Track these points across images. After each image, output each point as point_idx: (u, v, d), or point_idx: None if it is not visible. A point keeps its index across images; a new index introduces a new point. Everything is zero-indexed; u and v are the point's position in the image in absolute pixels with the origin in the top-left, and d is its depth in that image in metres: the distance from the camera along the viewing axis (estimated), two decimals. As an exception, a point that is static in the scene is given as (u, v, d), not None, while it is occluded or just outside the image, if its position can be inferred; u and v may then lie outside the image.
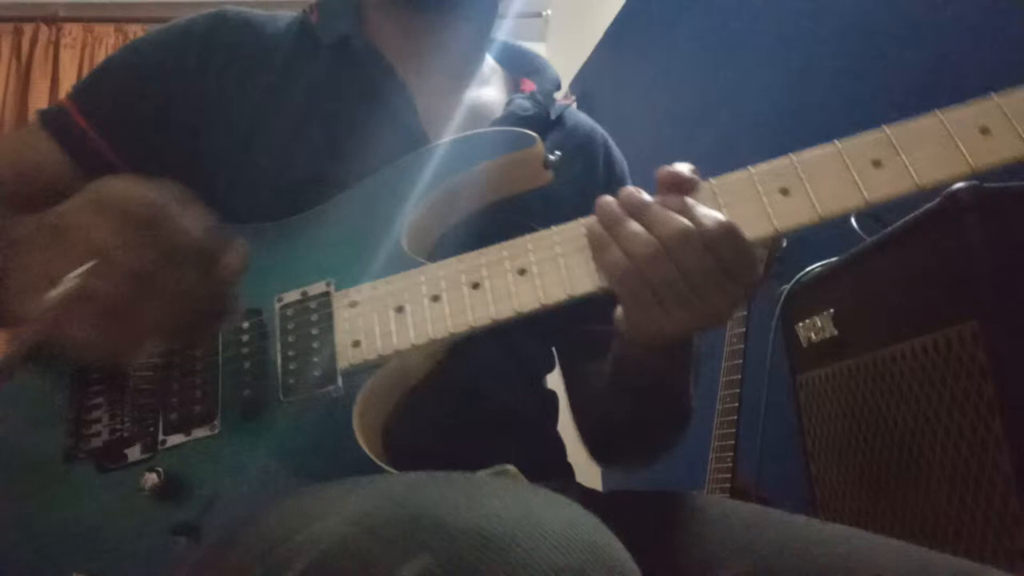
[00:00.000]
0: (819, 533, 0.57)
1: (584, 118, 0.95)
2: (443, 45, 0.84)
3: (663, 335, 0.59)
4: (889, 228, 1.12)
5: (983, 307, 0.94)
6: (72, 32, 3.25)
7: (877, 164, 0.57)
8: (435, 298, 0.62)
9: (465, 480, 0.46)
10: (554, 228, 0.63)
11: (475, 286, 0.62)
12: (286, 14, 0.87)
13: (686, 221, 0.55)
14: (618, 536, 0.65)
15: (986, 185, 0.95)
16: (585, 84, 3.03)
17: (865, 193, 0.57)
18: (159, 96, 0.78)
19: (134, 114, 0.79)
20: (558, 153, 0.68)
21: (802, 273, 1.37)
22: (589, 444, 0.84)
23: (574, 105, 0.94)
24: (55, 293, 0.50)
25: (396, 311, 0.62)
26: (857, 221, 1.35)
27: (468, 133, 0.69)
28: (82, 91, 0.82)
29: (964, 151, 0.56)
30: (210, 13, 0.83)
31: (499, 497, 0.42)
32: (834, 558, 0.54)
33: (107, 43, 3.25)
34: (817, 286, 1.33)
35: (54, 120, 0.79)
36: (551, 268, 0.61)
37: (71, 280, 0.50)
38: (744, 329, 1.64)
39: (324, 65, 0.81)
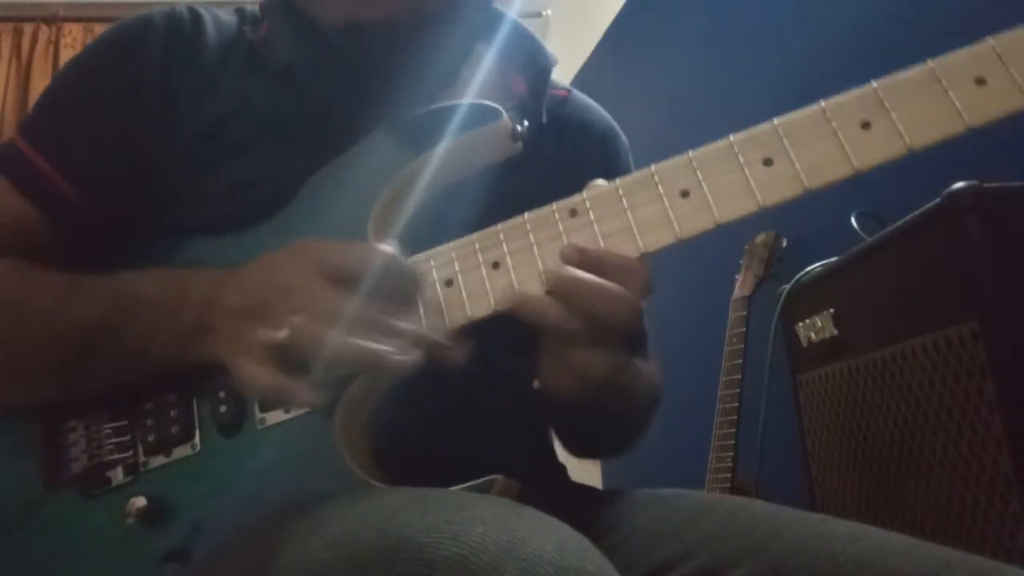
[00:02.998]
0: (833, 530, 0.56)
1: (581, 108, 0.87)
2: (410, 63, 0.74)
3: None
4: (889, 228, 1.12)
5: (983, 307, 0.94)
6: (72, 32, 3.25)
7: (866, 126, 0.52)
8: None
9: (449, 502, 0.45)
10: (527, 215, 0.59)
11: (448, 283, 0.59)
12: (230, 18, 0.78)
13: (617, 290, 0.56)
14: (620, 537, 0.65)
15: (986, 185, 0.95)
16: (585, 84, 3.03)
17: (854, 160, 0.52)
18: (117, 109, 0.71)
19: (92, 137, 0.72)
20: (526, 123, 0.64)
21: (802, 273, 1.37)
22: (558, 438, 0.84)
23: (572, 94, 0.87)
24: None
25: None
26: (857, 221, 1.36)
27: (427, 109, 0.64)
28: (34, 126, 0.74)
29: (959, 106, 0.50)
30: (165, 15, 0.74)
31: (483, 523, 0.41)
32: (851, 556, 0.53)
33: (107, 43, 3.25)
34: (817, 286, 1.33)
35: (11, 165, 0.71)
36: (526, 261, 0.58)
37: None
38: (744, 329, 1.64)
39: (277, 92, 0.73)
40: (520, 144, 0.64)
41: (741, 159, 0.55)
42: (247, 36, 0.76)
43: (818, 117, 0.54)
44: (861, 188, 1.40)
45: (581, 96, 0.89)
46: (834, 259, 1.28)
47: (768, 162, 0.54)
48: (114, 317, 0.62)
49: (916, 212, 1.03)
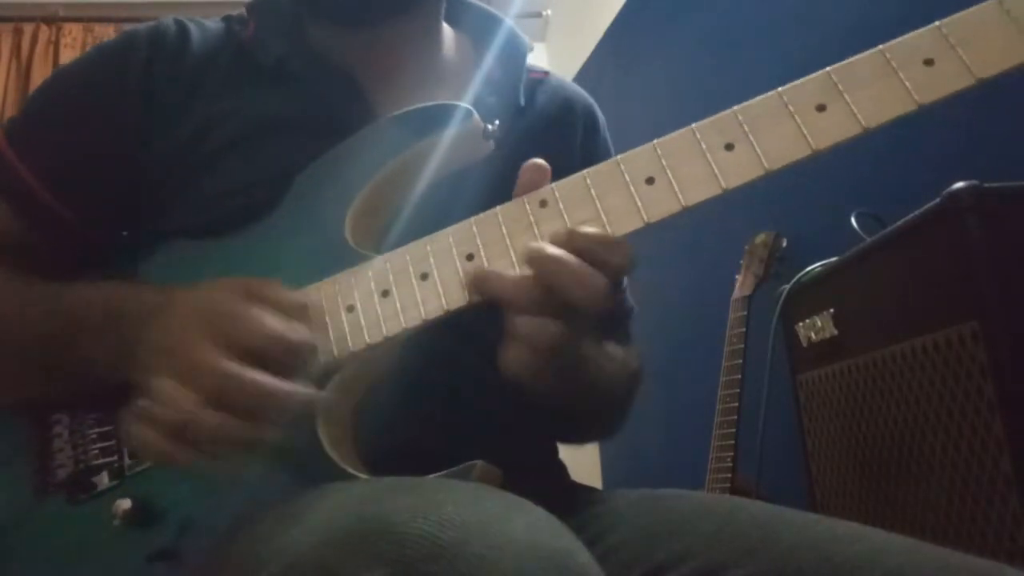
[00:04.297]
0: (832, 531, 0.56)
1: (560, 87, 0.89)
2: (393, 51, 0.78)
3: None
4: (889, 228, 1.12)
5: (983, 307, 0.94)
6: (72, 32, 3.25)
7: (821, 109, 0.54)
8: (385, 293, 0.60)
9: (429, 487, 0.46)
10: (498, 208, 0.60)
11: (424, 277, 0.60)
12: (217, 25, 0.80)
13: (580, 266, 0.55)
14: (619, 538, 0.65)
15: (986, 185, 0.95)
16: (585, 84, 3.02)
17: (811, 141, 0.54)
18: (99, 121, 0.74)
19: (74, 147, 0.74)
20: (496, 123, 0.65)
21: (802, 273, 1.37)
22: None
23: (549, 75, 0.89)
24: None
25: (347, 311, 0.60)
26: (857, 221, 1.36)
27: (399, 112, 0.66)
28: (17, 130, 0.77)
29: (909, 87, 0.53)
30: (151, 29, 0.77)
31: (456, 504, 0.42)
32: (849, 556, 0.53)
33: (107, 43, 3.25)
34: (817, 286, 1.33)
35: None
36: (499, 252, 0.59)
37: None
38: (744, 329, 1.64)
39: (268, 88, 0.75)
40: (491, 143, 0.65)
41: (703, 145, 0.56)
42: (237, 36, 0.78)
43: (776, 102, 0.56)
44: (861, 188, 1.40)
45: (558, 77, 0.91)
46: (834, 259, 1.28)
47: (729, 147, 0.56)
48: (65, 328, 0.64)
49: (916, 212, 1.03)
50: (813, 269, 1.34)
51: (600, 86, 2.89)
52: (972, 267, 0.95)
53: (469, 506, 0.42)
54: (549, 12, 3.53)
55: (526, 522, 0.42)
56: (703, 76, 2.25)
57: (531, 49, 0.85)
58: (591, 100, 0.92)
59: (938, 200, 0.98)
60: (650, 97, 2.57)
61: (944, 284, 1.00)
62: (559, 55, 3.40)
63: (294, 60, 0.75)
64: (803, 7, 1.77)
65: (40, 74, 3.15)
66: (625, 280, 0.90)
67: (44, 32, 3.22)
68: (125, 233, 0.77)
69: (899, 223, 1.08)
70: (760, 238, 1.72)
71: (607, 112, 0.94)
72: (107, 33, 3.26)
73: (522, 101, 0.82)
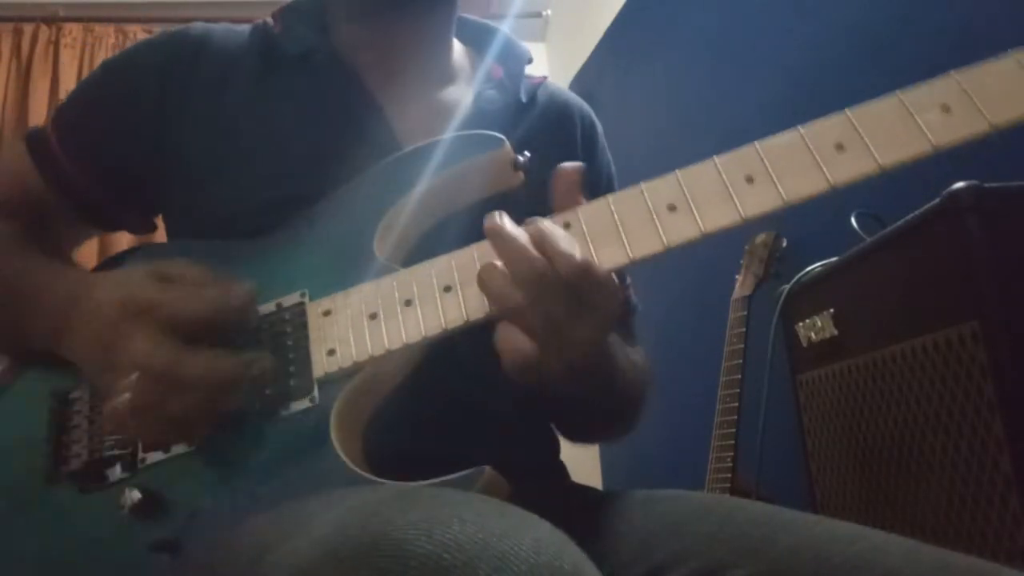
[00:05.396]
0: (832, 532, 0.56)
1: (558, 91, 0.93)
2: (408, 48, 0.83)
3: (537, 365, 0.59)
4: (889, 228, 1.12)
5: (983, 307, 0.94)
6: (72, 32, 3.24)
7: (840, 148, 0.57)
8: (408, 303, 0.62)
9: (433, 499, 0.46)
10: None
11: (447, 289, 0.61)
12: (244, 30, 0.85)
13: (541, 259, 0.56)
14: (618, 539, 0.65)
15: (986, 185, 0.95)
16: (585, 84, 3.02)
17: (829, 178, 0.57)
18: (126, 123, 0.80)
19: (104, 142, 0.80)
20: (527, 154, 0.67)
21: (802, 273, 1.37)
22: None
23: (547, 80, 0.93)
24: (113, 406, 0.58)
25: (370, 318, 0.62)
26: (857, 221, 1.36)
27: (436, 139, 0.69)
28: (60, 117, 0.83)
29: (925, 130, 0.56)
30: (174, 33, 0.83)
31: (461, 521, 0.41)
32: (848, 557, 0.53)
33: (107, 43, 3.24)
34: (817, 286, 1.33)
35: (35, 145, 0.82)
36: None
37: (123, 397, 0.58)
38: (744, 329, 1.64)
39: (290, 81, 0.80)
40: (521, 175, 0.67)
41: (725, 177, 0.59)
42: (264, 35, 0.82)
43: (796, 139, 0.59)
44: (861, 188, 1.40)
45: (555, 83, 0.95)
46: (834, 259, 1.28)
47: (750, 180, 0.58)
48: (4, 294, 0.72)
49: (916, 212, 1.03)
50: (813, 269, 1.34)
51: (600, 86, 2.89)
52: (972, 267, 0.95)
53: (474, 524, 0.41)
54: (549, 12, 3.54)
55: (532, 539, 0.41)
56: (703, 76, 2.24)
57: (531, 60, 0.89)
58: (588, 107, 0.95)
59: (938, 200, 0.99)
60: (650, 97, 2.57)
61: (944, 284, 1.00)
62: (559, 55, 3.40)
63: (319, 54, 0.80)
64: (802, 7, 1.77)
65: (40, 74, 3.15)
66: (628, 277, 0.91)
67: (44, 32, 3.22)
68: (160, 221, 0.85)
69: (899, 223, 1.08)
70: (760, 238, 1.72)
71: (607, 112, 0.95)
72: (107, 33, 3.26)
73: (524, 98, 0.85)
